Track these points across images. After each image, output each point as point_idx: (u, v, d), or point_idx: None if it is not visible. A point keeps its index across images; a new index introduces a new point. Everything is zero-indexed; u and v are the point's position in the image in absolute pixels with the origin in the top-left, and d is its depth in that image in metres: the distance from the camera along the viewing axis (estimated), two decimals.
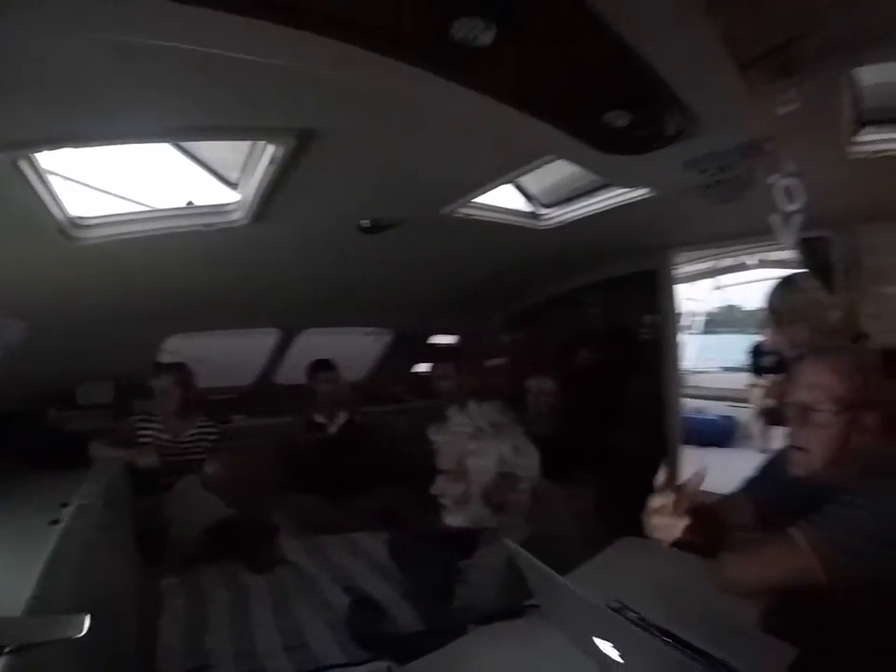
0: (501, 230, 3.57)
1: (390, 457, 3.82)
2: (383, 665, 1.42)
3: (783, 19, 1.62)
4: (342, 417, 4.00)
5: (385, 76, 1.35)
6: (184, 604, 2.19)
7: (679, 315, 7.30)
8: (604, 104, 1.58)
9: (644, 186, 2.35)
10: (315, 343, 4.71)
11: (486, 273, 4.42)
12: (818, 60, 1.74)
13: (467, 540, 1.98)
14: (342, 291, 4.04)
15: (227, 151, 2.61)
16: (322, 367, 4.06)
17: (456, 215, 3.15)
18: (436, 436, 2.07)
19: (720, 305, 9.95)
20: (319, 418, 3.98)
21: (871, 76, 2.37)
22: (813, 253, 4.44)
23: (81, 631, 1.06)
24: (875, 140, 2.68)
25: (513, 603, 1.53)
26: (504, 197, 3.52)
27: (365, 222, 2.99)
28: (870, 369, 1.55)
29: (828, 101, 2.18)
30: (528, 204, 3.68)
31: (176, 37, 1.16)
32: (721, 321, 10.69)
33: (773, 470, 1.71)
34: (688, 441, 6.91)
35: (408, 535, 2.38)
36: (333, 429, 3.97)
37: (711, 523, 1.60)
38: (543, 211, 3.70)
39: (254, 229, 2.78)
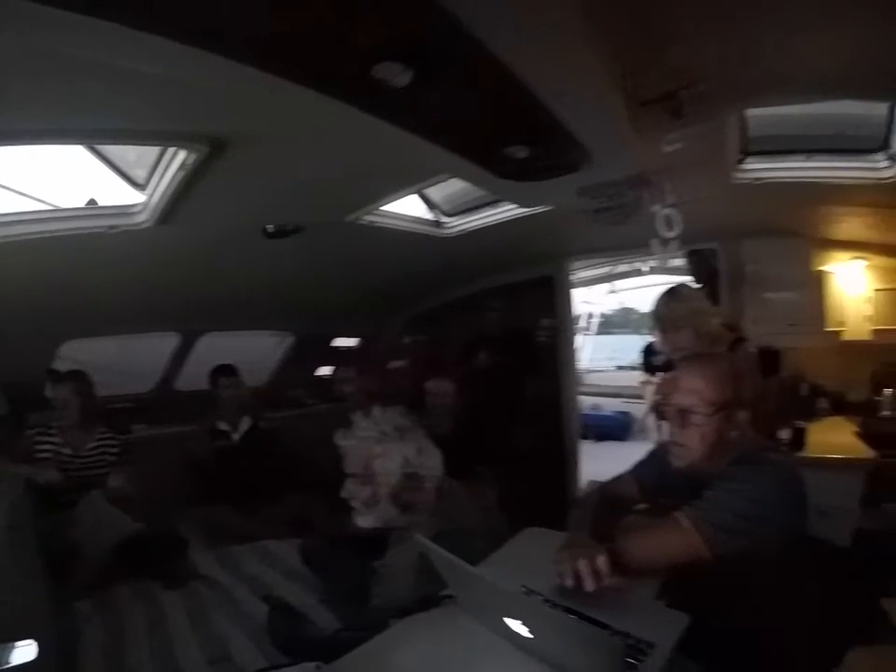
0: (405, 237, 3.67)
1: (297, 463, 3.80)
2: (311, 665, 1.47)
3: (674, 70, 1.85)
4: (245, 424, 3.92)
5: (313, 105, 1.44)
6: (100, 626, 2.15)
7: (576, 317, 7.68)
8: (506, 138, 1.72)
9: (542, 206, 2.51)
10: (215, 348, 4.56)
11: (389, 277, 4.50)
12: (702, 106, 1.95)
13: (378, 541, 2.07)
14: (244, 294, 4.00)
15: (132, 148, 2.58)
16: (224, 372, 3.96)
17: (361, 222, 3.23)
18: (342, 441, 2.13)
19: (616, 308, 10.37)
20: (222, 425, 3.87)
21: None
22: (702, 263, 4.81)
23: (31, 656, 1.06)
24: (757, 169, 3.04)
25: (429, 595, 1.61)
26: (408, 205, 3.62)
27: (270, 227, 3.03)
28: (740, 373, 1.77)
29: (716, 136, 2.46)
30: (431, 213, 3.79)
31: (91, 51, 1.20)
32: (618, 322, 11.17)
33: (658, 458, 1.90)
34: (586, 437, 7.27)
35: (320, 540, 2.44)
36: (237, 437, 3.87)
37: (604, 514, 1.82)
38: (445, 220, 3.84)
39: (158, 231, 2.75)
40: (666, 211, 2.21)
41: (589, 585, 1.46)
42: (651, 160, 2.11)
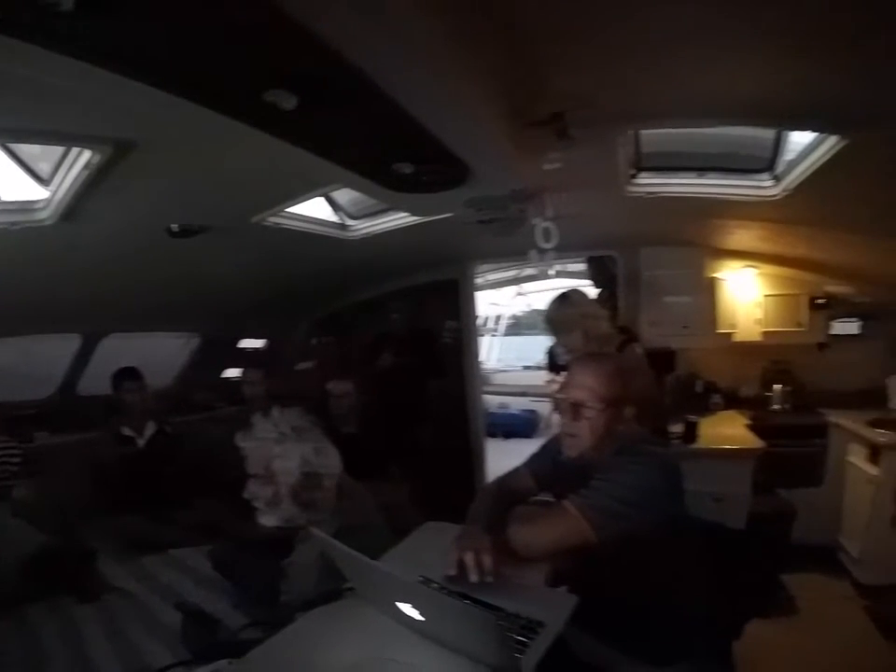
0: (310, 238, 3.66)
1: (204, 467, 3.69)
2: (223, 662, 1.54)
3: (561, 94, 1.95)
4: (150, 429, 3.81)
5: (213, 120, 1.47)
6: (15, 645, 2.11)
7: (480, 319, 7.80)
8: (391, 155, 1.79)
9: (433, 216, 2.59)
10: (119, 350, 4.40)
11: (295, 279, 4.49)
12: (588, 127, 2.08)
13: (284, 541, 2.09)
14: (149, 295, 3.89)
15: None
16: (127, 375, 3.82)
17: (266, 223, 3.22)
18: (242, 442, 2.13)
19: (525, 309, 10.56)
20: (127, 431, 3.75)
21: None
22: (601, 269, 5.00)
23: None
24: (650, 184, 3.19)
25: (332, 588, 1.68)
26: (315, 207, 3.63)
27: (174, 227, 2.98)
28: (628, 372, 1.92)
29: (608, 153, 2.60)
30: (336, 215, 3.79)
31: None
32: (527, 324, 11.36)
33: (550, 450, 2.02)
34: (494, 434, 7.43)
35: (229, 545, 2.46)
36: (142, 442, 3.77)
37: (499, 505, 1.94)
38: (351, 222, 3.85)
39: (61, 229, 2.68)
40: (545, 224, 2.33)
41: (473, 577, 1.56)
42: (537, 176, 2.22)
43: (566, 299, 3.04)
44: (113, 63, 1.17)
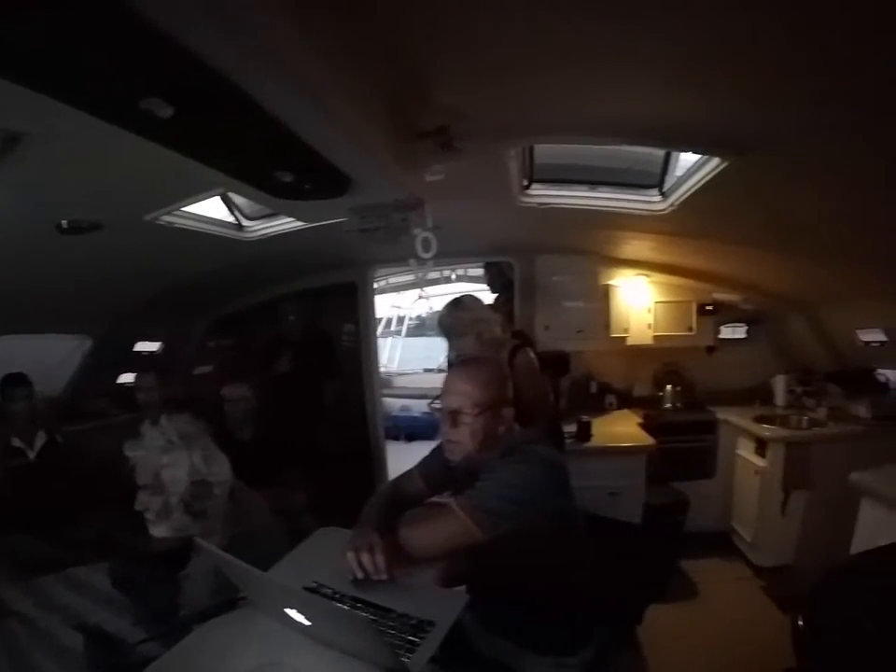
0: (205, 238, 3.57)
1: (99, 479, 3.41)
2: None
3: (445, 108, 1.99)
4: (41, 439, 3.59)
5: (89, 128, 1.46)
6: None
7: (383, 321, 7.79)
8: (271, 164, 1.78)
9: (318, 222, 2.60)
10: (6, 354, 4.04)
11: (191, 279, 4.36)
12: (473, 141, 2.13)
13: (180, 553, 2.02)
14: (38, 294, 3.66)
15: None
16: (14, 382, 3.58)
17: (159, 222, 3.12)
18: (131, 452, 2.07)
19: (427, 311, 10.64)
20: (16, 442, 3.52)
21: None
22: (498, 274, 5.10)
23: None
24: (543, 195, 3.25)
25: (227, 598, 1.67)
26: (212, 207, 3.52)
27: (64, 223, 2.86)
28: (504, 376, 1.96)
29: (498, 165, 2.66)
30: (232, 215, 3.70)
31: None
32: (429, 325, 11.44)
33: (439, 454, 2.02)
34: (397, 437, 7.47)
35: (126, 560, 2.34)
36: (32, 454, 3.54)
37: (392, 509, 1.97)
38: (247, 223, 3.76)
39: None
40: (425, 234, 2.37)
41: (373, 576, 1.61)
42: (422, 186, 2.24)
43: (459, 303, 3.09)
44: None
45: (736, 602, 3.98)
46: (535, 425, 2.87)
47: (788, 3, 1.29)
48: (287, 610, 1.39)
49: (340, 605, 1.55)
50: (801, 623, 1.98)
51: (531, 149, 3.04)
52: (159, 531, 2.02)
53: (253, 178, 1.98)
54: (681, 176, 2.99)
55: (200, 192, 2.97)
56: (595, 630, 1.93)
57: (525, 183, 3.22)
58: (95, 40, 1.02)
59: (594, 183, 3.36)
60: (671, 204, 3.17)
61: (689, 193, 2.92)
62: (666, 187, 3.20)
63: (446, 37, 1.58)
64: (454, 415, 1.83)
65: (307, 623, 1.37)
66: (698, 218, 3.34)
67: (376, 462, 5.29)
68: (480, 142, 2.25)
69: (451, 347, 3.10)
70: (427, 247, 2.40)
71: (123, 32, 0.97)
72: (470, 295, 3.23)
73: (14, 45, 1.05)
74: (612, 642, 1.99)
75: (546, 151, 3.13)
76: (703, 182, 2.71)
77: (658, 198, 3.28)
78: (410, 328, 10.09)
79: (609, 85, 1.92)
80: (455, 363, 2.02)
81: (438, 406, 1.92)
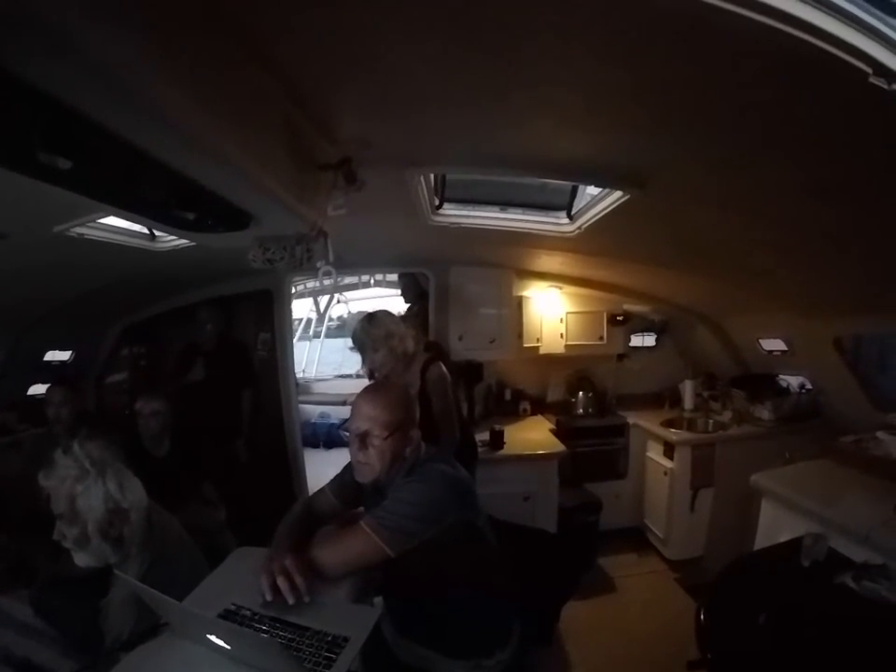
0: (117, 249, 3.49)
1: (10, 503, 3.28)
2: None
3: (346, 140, 2.06)
4: None
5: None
6: None
7: (301, 322, 7.64)
8: (170, 204, 1.80)
9: (224, 247, 2.62)
10: None
11: (101, 287, 4.23)
12: (377, 171, 2.22)
13: (100, 580, 2.01)
14: None
15: None
16: None
17: (70, 234, 3.06)
18: (44, 481, 2.01)
19: (347, 314, 10.56)
20: None
21: None
22: (412, 285, 5.17)
23: None
24: (454, 215, 3.36)
25: (151, 625, 1.67)
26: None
27: None
28: (411, 398, 2.03)
29: (406, 190, 2.73)
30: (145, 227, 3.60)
31: None
32: (350, 325, 11.35)
33: (350, 472, 2.06)
34: (316, 444, 7.43)
35: (47, 586, 2.33)
36: None
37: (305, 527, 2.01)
38: (160, 233, 3.62)
39: None
40: (325, 268, 2.44)
41: (290, 599, 1.65)
42: (322, 219, 2.28)
43: (372, 319, 3.15)
44: None
45: (652, 594, 4.20)
46: (444, 436, 3.08)
47: (674, 59, 1.39)
48: (208, 636, 1.44)
49: (257, 627, 1.60)
50: (702, 616, 2.13)
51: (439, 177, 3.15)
52: (81, 560, 2.01)
53: (155, 217, 2.01)
54: (588, 203, 3.11)
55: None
56: (512, 630, 2.02)
57: (437, 202, 3.29)
58: None
59: (504, 204, 3.45)
60: (578, 228, 3.29)
61: (594, 220, 3.06)
62: (574, 210, 3.31)
63: (347, 72, 1.61)
64: (362, 438, 1.88)
65: (227, 647, 1.42)
66: (604, 240, 3.48)
67: (295, 471, 5.26)
68: (383, 170, 2.31)
69: (364, 361, 3.19)
70: (328, 276, 2.46)
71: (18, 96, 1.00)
72: (384, 310, 3.29)
73: None
74: (529, 641, 2.07)
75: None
76: (606, 212, 2.85)
77: (566, 221, 3.40)
78: (330, 327, 10.01)
79: (512, 123, 1.99)
80: (363, 389, 2.08)
81: (346, 430, 1.96)
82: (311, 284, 6.65)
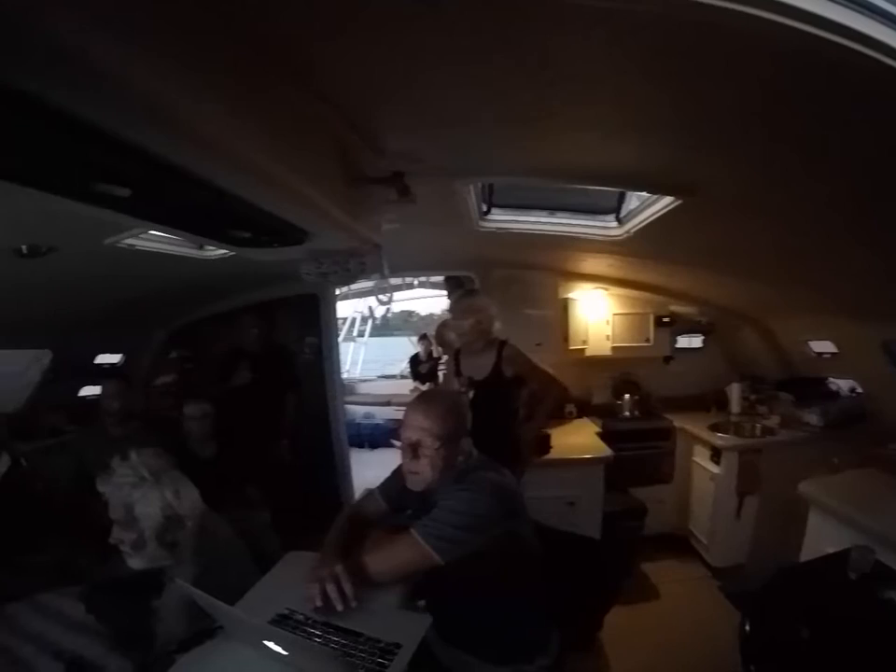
0: (166, 258, 3.55)
1: (60, 502, 3.43)
2: None
3: (397, 155, 2.06)
4: (4, 463, 3.47)
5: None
6: None
7: (346, 322, 7.72)
8: (227, 225, 1.85)
9: (280, 264, 2.64)
10: None
11: (149, 294, 4.34)
12: (429, 183, 2.21)
13: (155, 579, 2.04)
14: None
15: None
16: None
17: (120, 245, 3.12)
18: (103, 487, 2.05)
19: (390, 314, 10.72)
20: None
21: None
22: (459, 287, 5.17)
23: None
24: (501, 220, 3.32)
25: (203, 628, 1.71)
26: None
27: (23, 248, 2.87)
28: (462, 407, 2.05)
29: (456, 199, 2.74)
30: None
31: None
32: (392, 325, 11.47)
33: (399, 476, 2.08)
34: (361, 445, 7.48)
35: (99, 585, 2.32)
36: None
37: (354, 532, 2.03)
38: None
39: None
40: (381, 283, 2.46)
41: (339, 607, 1.67)
42: (375, 233, 2.31)
43: (471, 293, 3.59)
44: None
45: (694, 601, 4.11)
46: (551, 391, 3.51)
47: (724, 76, 1.37)
48: (265, 642, 1.46)
49: (310, 632, 1.62)
50: (747, 627, 2.09)
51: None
52: (135, 563, 2.05)
53: (213, 236, 2.03)
54: (637, 207, 3.06)
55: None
56: (553, 637, 2.02)
57: (485, 209, 3.29)
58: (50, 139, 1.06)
59: (552, 209, 3.43)
60: (627, 231, 3.25)
61: (643, 224, 3.01)
62: (623, 213, 3.28)
63: (397, 90, 1.62)
64: (414, 448, 1.90)
65: (284, 652, 1.43)
66: (652, 244, 3.43)
67: (341, 472, 5.31)
68: (430, 181, 2.30)
69: (451, 327, 3.59)
70: (384, 292, 2.47)
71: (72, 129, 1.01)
72: (481, 291, 3.65)
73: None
74: (570, 648, 2.07)
75: None
76: (656, 216, 2.81)
77: (615, 224, 3.36)
78: (374, 327, 10.08)
79: (559, 137, 1.99)
80: (414, 399, 2.08)
81: (398, 440, 1.98)
82: (355, 286, 6.71)
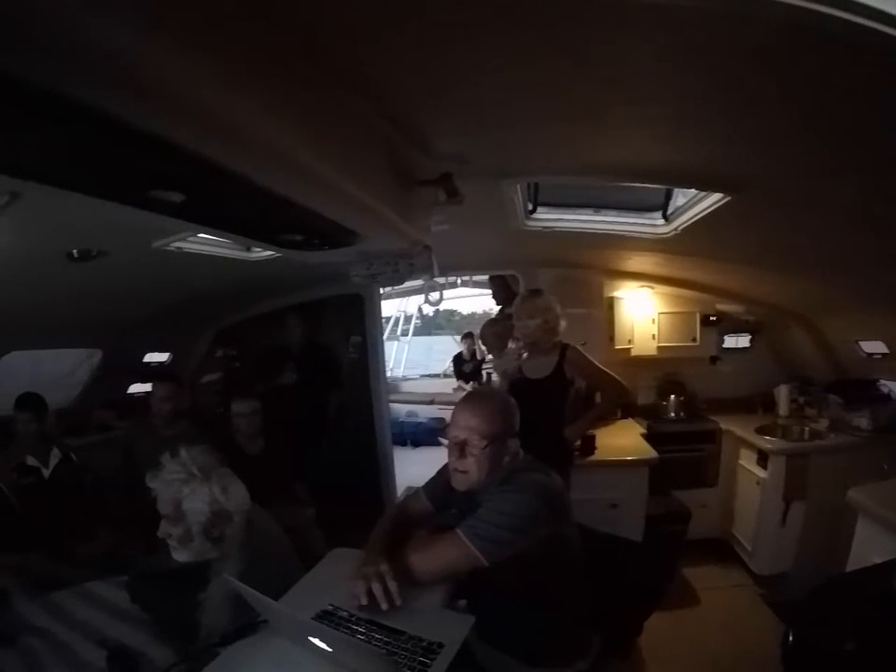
0: (214, 259, 3.63)
1: (108, 495, 3.62)
2: None
3: (446, 157, 2.07)
4: (55, 457, 3.53)
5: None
6: None
7: (389, 321, 7.72)
8: (279, 228, 1.86)
9: (329, 265, 2.66)
10: (17, 368, 4.08)
11: (196, 295, 4.43)
12: (477, 183, 2.21)
13: (200, 572, 2.09)
14: (47, 313, 3.73)
15: None
16: (28, 402, 3.51)
17: (169, 249, 3.18)
18: (152, 483, 2.10)
19: (432, 312, 10.79)
20: (31, 461, 3.44)
21: None
22: (502, 286, 5.16)
23: None
24: (546, 219, 3.30)
25: (247, 622, 1.74)
26: None
27: (74, 252, 2.92)
28: (510, 407, 2.01)
29: (503, 199, 2.73)
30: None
31: None
32: (435, 323, 11.53)
33: (445, 475, 2.09)
34: (403, 443, 7.51)
35: (145, 575, 2.37)
36: (47, 472, 3.46)
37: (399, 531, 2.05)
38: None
39: None
40: (431, 283, 2.45)
41: (383, 605, 1.68)
42: (425, 234, 2.30)
43: (537, 292, 3.57)
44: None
45: (736, 609, 4.02)
46: (610, 390, 3.71)
47: (778, 74, 1.36)
48: (310, 638, 1.46)
49: (353, 629, 1.64)
50: (791, 637, 2.03)
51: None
52: (180, 556, 2.10)
53: (265, 240, 2.04)
54: (684, 204, 3.02)
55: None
56: (592, 641, 2.02)
57: (530, 208, 3.27)
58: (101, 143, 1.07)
59: (598, 206, 3.40)
60: (674, 229, 3.21)
61: (692, 221, 2.97)
62: (670, 211, 3.23)
63: (448, 93, 1.62)
64: (461, 446, 1.90)
65: (328, 649, 1.44)
66: (700, 241, 3.39)
67: (384, 470, 5.35)
68: (477, 181, 2.30)
69: (516, 329, 3.53)
70: (434, 292, 2.46)
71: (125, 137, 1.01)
72: (546, 291, 3.61)
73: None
74: (609, 653, 2.05)
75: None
76: (705, 213, 2.76)
77: (661, 222, 3.32)
78: (416, 326, 10.15)
79: (609, 135, 1.98)
80: (463, 397, 2.08)
81: (445, 438, 1.99)
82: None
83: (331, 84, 1.43)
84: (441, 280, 7.41)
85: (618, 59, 1.36)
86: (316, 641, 1.44)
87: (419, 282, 7.70)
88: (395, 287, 6.87)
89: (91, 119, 0.92)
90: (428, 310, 9.99)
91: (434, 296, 2.52)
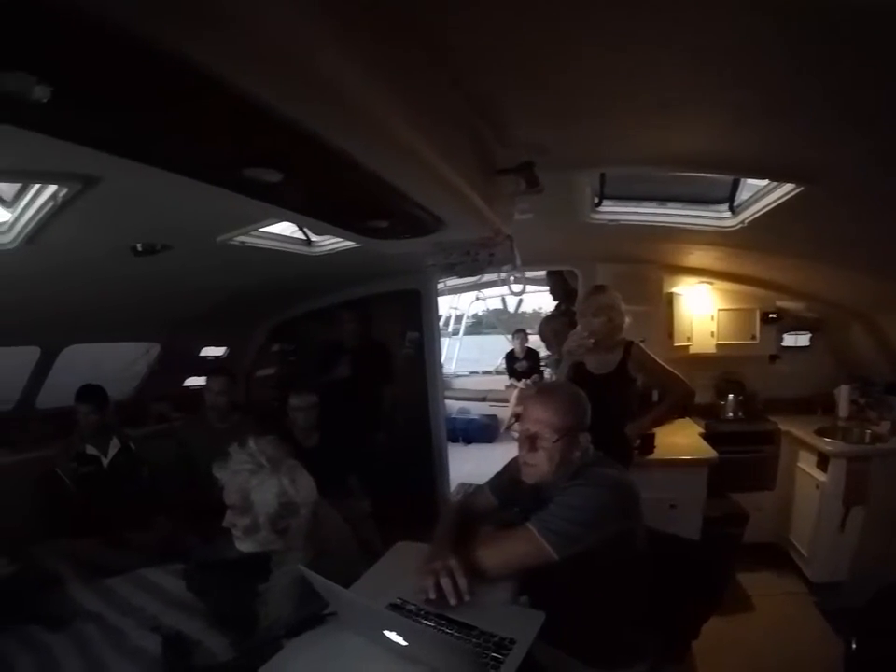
0: (274, 254, 3.67)
1: (164, 485, 3.70)
2: None
3: (525, 146, 2.06)
4: (114, 447, 3.64)
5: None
6: None
7: (447, 318, 7.72)
8: (367, 214, 1.88)
9: (405, 256, 2.64)
10: (79, 360, 4.22)
11: (256, 290, 4.48)
12: (555, 173, 2.20)
13: (262, 563, 2.11)
14: (109, 306, 3.81)
15: None
16: (91, 393, 3.61)
17: (232, 243, 3.22)
18: (219, 473, 2.11)
19: (483, 309, 10.81)
20: (91, 450, 3.56)
21: None
22: (561, 283, 5.11)
23: None
24: (612, 212, 3.26)
25: (313, 614, 1.72)
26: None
27: (139, 246, 2.96)
28: (582, 401, 1.99)
29: (574, 192, 2.72)
30: (301, 231, 3.75)
31: None
32: (486, 322, 11.51)
33: (510, 471, 2.11)
34: (455, 439, 7.50)
35: (203, 564, 2.44)
36: (106, 461, 3.59)
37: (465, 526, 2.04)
38: (316, 238, 3.83)
39: (23, 250, 2.61)
40: (513, 273, 2.42)
41: (452, 600, 1.67)
42: (506, 224, 2.30)
43: (601, 289, 3.47)
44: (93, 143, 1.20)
45: (789, 616, 3.92)
46: (675, 388, 3.56)
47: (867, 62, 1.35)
48: (382, 631, 1.45)
49: (423, 623, 1.62)
50: (854, 646, 1.97)
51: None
52: (245, 546, 2.10)
53: (347, 225, 2.04)
54: (753, 196, 2.98)
55: (275, 217, 3.02)
56: (650, 644, 1.99)
57: (597, 200, 3.26)
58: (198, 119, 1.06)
59: (663, 199, 3.37)
60: (741, 222, 3.16)
61: (760, 213, 2.92)
62: (736, 203, 3.19)
63: (534, 83, 1.63)
64: (532, 440, 1.90)
65: (404, 643, 1.42)
66: (766, 237, 3.34)
67: (438, 466, 5.33)
68: (557, 174, 2.30)
69: (582, 326, 3.40)
70: (517, 282, 2.44)
71: (229, 108, 1.00)
72: (608, 285, 3.53)
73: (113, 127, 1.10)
74: (666, 657, 2.03)
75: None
76: (774, 205, 2.73)
77: (728, 214, 3.28)
78: (468, 325, 10.18)
79: (690, 124, 1.97)
80: (535, 391, 2.06)
81: (516, 431, 1.96)
82: (450, 282, 6.76)
83: (419, 58, 1.42)
84: (493, 277, 7.45)
85: (705, 43, 1.35)
86: (391, 635, 1.43)
87: (472, 279, 7.82)
88: (447, 284, 6.90)
89: (194, 84, 0.91)
90: (512, 302, 10.04)
91: (517, 287, 2.49)
